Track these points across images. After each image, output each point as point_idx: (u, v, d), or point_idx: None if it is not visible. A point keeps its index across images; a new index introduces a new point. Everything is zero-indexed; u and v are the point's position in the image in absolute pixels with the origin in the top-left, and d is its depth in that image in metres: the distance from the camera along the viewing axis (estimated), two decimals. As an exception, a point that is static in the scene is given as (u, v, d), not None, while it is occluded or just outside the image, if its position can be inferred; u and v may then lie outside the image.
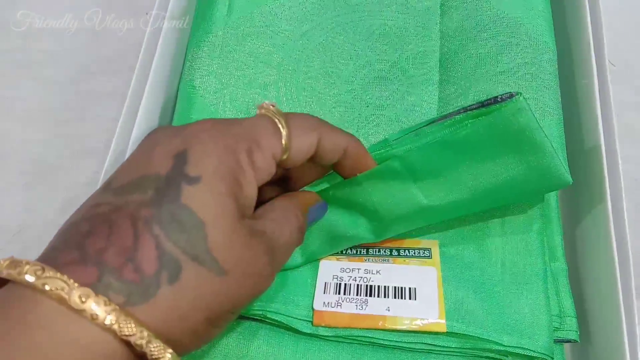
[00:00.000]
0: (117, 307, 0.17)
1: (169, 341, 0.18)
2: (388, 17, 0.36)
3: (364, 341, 0.28)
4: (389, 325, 0.27)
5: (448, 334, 0.27)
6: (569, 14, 0.38)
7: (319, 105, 0.34)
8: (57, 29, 0.46)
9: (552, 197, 0.31)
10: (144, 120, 0.32)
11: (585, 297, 0.30)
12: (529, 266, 0.28)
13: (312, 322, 0.27)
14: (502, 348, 0.26)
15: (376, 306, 0.27)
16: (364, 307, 0.27)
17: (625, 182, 0.29)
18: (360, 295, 0.28)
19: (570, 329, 0.28)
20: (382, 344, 0.27)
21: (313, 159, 0.24)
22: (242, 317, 0.29)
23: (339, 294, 0.28)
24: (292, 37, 0.36)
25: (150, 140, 0.22)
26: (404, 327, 0.27)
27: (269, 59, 0.35)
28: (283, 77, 0.34)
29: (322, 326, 0.27)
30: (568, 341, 0.28)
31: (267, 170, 0.22)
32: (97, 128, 0.41)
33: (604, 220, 0.28)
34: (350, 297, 0.28)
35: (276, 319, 0.28)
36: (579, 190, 0.32)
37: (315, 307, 0.28)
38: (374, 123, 0.33)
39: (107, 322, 0.17)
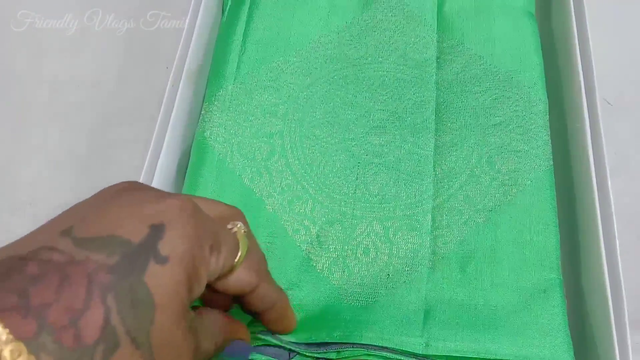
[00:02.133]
0: None
1: None
2: (387, 68, 0.39)
3: None
4: None
5: None
6: (561, 59, 0.40)
7: (321, 152, 0.36)
8: (82, 79, 0.47)
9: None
10: (165, 167, 0.35)
11: (584, 335, 0.31)
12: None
13: None
14: None
15: None
16: None
17: (624, 217, 0.30)
18: None
19: None
20: None
21: (241, 297, 0.25)
22: None
23: None
24: (297, 89, 0.38)
25: (127, 194, 0.21)
26: None
27: (274, 110, 0.37)
28: (288, 126, 0.37)
29: None
30: None
31: (213, 275, 0.22)
32: (121, 174, 0.44)
33: (598, 257, 0.29)
34: None
35: None
36: (574, 235, 0.33)
37: None
38: (373, 171, 0.35)
39: None
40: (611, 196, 0.30)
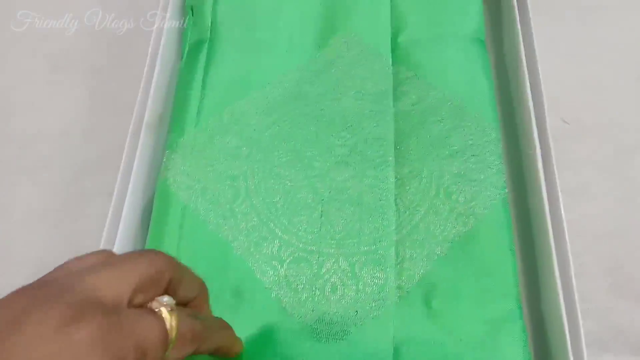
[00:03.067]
0: None
1: None
2: (346, 103, 0.40)
3: None
4: None
5: None
6: (512, 84, 0.41)
7: (285, 191, 0.36)
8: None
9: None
10: (130, 215, 0.35)
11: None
12: None
13: None
14: None
15: None
16: None
17: (586, 238, 0.31)
18: None
19: None
20: None
21: None
22: None
23: None
24: (258, 130, 0.39)
25: (28, 327, 0.18)
26: None
27: (237, 153, 0.38)
28: (251, 167, 0.37)
29: None
30: None
31: None
32: (91, 226, 0.43)
33: (554, 284, 0.30)
34: None
35: None
36: (532, 261, 0.34)
37: None
38: (336, 207, 0.36)
39: None
40: (563, 217, 0.31)
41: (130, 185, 0.36)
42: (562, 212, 0.31)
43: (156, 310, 0.21)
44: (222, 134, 0.38)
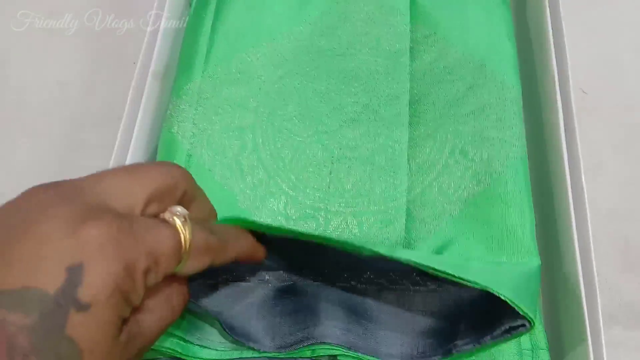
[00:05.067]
0: None
1: None
2: (360, 60, 0.38)
3: None
4: None
5: None
6: (535, 51, 0.40)
7: (293, 147, 0.35)
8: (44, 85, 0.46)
9: None
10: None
11: (557, 331, 0.31)
12: None
13: None
14: None
15: None
16: None
17: (596, 213, 0.30)
18: None
19: None
20: None
21: None
22: None
23: None
24: (268, 82, 0.37)
25: (37, 223, 0.18)
26: None
27: (245, 104, 0.36)
28: (259, 120, 0.36)
29: None
30: None
31: (155, 283, 0.21)
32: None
33: (572, 253, 0.29)
34: None
35: None
36: (547, 225, 0.33)
37: None
38: (347, 165, 0.34)
39: None
40: (585, 192, 0.30)
41: (134, 136, 0.34)
42: (584, 184, 0.30)
43: (169, 220, 0.21)
44: (229, 84, 0.37)
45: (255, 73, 0.37)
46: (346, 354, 0.27)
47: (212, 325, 0.29)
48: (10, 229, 0.19)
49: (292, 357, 0.28)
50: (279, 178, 0.34)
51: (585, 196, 0.30)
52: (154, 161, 0.23)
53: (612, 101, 0.44)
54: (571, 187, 0.31)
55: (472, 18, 0.38)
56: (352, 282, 0.30)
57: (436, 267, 0.24)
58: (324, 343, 0.28)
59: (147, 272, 0.19)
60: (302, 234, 0.25)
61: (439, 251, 0.31)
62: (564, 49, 0.36)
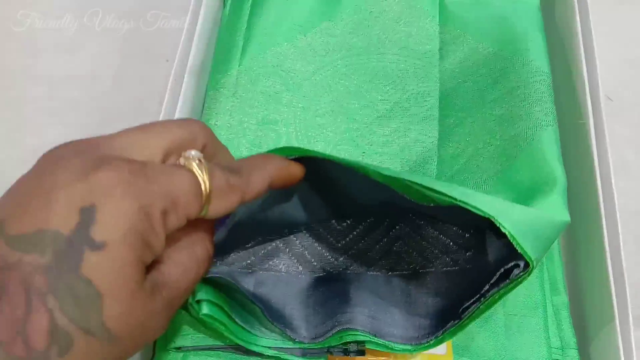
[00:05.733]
0: None
1: None
2: (390, 60, 0.38)
3: None
4: (399, 357, 0.28)
5: None
6: (563, 54, 0.40)
7: (325, 142, 0.35)
8: (80, 76, 0.46)
9: None
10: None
11: (586, 329, 0.31)
12: (528, 298, 0.29)
13: None
14: None
15: None
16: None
17: (621, 215, 0.30)
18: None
19: None
20: None
21: None
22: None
23: None
24: (301, 77, 0.37)
25: (50, 173, 0.19)
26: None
27: (279, 98, 0.37)
28: (293, 114, 0.36)
29: None
30: None
31: (178, 227, 0.20)
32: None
33: (601, 253, 0.29)
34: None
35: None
36: (577, 224, 0.33)
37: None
38: (378, 161, 0.35)
39: None
40: (615, 193, 0.31)
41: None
42: (614, 185, 0.31)
43: (183, 164, 0.20)
44: (265, 77, 0.37)
45: (289, 67, 0.38)
46: (372, 340, 0.27)
47: (250, 312, 0.29)
48: (25, 181, 0.19)
49: (324, 347, 0.29)
50: None
51: (615, 197, 0.30)
52: (172, 119, 0.23)
53: (638, 103, 0.44)
54: (601, 188, 0.31)
55: (501, 16, 0.39)
56: (383, 270, 0.31)
57: (439, 189, 0.22)
58: (350, 329, 0.28)
59: (165, 214, 0.19)
60: (340, 159, 0.24)
61: None
62: (594, 54, 0.36)
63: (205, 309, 0.26)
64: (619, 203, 0.30)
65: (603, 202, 0.31)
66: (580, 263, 0.33)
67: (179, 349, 0.30)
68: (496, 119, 0.34)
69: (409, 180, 0.23)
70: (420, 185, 0.22)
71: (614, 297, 0.27)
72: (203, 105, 0.37)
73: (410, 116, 0.36)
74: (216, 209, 0.21)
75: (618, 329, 0.27)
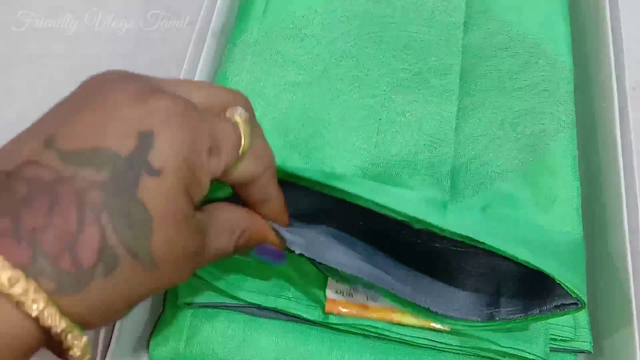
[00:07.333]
0: (45, 296, 0.16)
1: (84, 323, 0.17)
2: (413, 30, 0.38)
3: (369, 332, 0.28)
4: (398, 319, 0.28)
5: (452, 332, 0.28)
6: (590, 37, 0.39)
7: (343, 107, 0.35)
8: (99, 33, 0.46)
9: None
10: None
11: (599, 309, 0.31)
12: None
13: (322, 310, 0.28)
14: (500, 349, 0.28)
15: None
16: (375, 299, 0.28)
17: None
18: (372, 289, 0.28)
19: (584, 340, 0.29)
20: (388, 336, 0.28)
21: (240, 186, 0.23)
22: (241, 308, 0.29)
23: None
24: (322, 42, 0.37)
25: (105, 93, 0.18)
26: (412, 323, 0.28)
27: (298, 60, 0.36)
28: (311, 76, 0.35)
29: (334, 314, 0.28)
30: (582, 351, 0.29)
31: (216, 174, 0.20)
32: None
33: (621, 237, 0.29)
34: (362, 288, 0.28)
35: (284, 308, 0.29)
36: (596, 208, 0.33)
37: (327, 295, 0.28)
38: (394, 128, 0.34)
39: (31, 310, 0.15)
40: (637, 182, 0.30)
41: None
42: (636, 173, 0.30)
43: (230, 117, 0.21)
44: (284, 39, 0.36)
45: (310, 32, 0.37)
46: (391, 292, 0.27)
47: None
48: (74, 99, 0.19)
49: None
50: (326, 134, 0.34)
51: (638, 187, 0.30)
52: None
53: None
54: (624, 176, 0.31)
55: None
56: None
57: (482, 240, 0.23)
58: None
59: (210, 152, 0.19)
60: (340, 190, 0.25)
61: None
62: (621, 42, 0.36)
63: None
64: None
65: (625, 193, 0.30)
66: (598, 245, 0.32)
67: (189, 304, 0.30)
68: (518, 111, 0.34)
69: (469, 238, 0.24)
70: (454, 234, 0.24)
71: (630, 279, 0.27)
72: (222, 58, 0.36)
73: (430, 88, 0.35)
74: (244, 169, 0.21)
75: (634, 310, 0.26)
